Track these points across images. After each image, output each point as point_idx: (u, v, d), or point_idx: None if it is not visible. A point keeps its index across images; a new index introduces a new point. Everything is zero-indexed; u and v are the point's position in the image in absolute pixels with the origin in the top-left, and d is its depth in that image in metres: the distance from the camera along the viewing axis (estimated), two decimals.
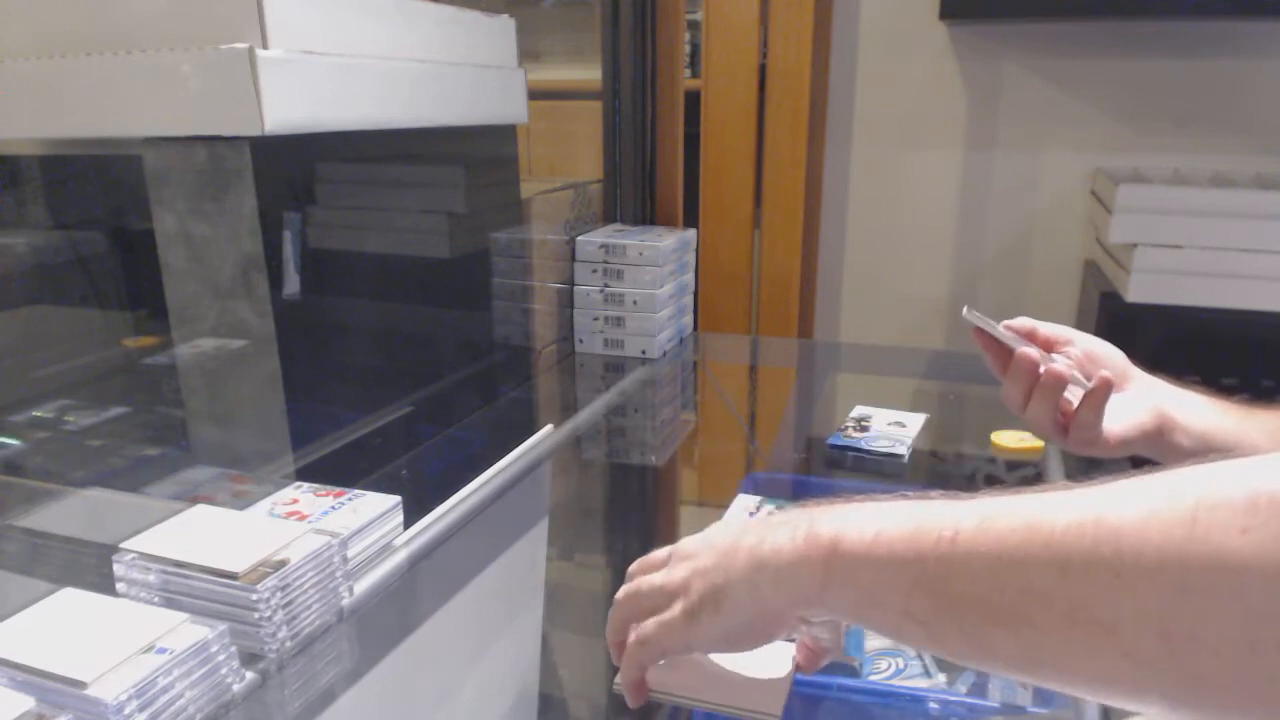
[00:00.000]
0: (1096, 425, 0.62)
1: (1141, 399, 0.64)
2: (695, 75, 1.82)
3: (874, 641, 0.66)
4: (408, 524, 0.73)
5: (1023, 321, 0.68)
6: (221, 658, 0.52)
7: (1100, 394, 0.61)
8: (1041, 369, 0.63)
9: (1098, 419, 0.62)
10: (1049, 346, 0.67)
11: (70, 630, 0.51)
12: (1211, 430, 0.63)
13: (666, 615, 0.47)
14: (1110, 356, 0.67)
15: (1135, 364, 0.68)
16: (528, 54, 1.14)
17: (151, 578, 0.57)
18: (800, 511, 0.44)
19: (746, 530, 0.46)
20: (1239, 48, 1.57)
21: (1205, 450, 0.62)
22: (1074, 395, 0.63)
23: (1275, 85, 1.57)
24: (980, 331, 0.66)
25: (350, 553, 0.65)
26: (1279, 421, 0.62)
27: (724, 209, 1.82)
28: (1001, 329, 0.66)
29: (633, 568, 0.53)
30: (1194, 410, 0.64)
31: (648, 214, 1.43)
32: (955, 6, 1.62)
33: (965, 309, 0.65)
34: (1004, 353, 0.66)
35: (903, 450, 0.98)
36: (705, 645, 0.48)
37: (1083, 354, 0.66)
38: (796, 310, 1.81)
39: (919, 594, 0.37)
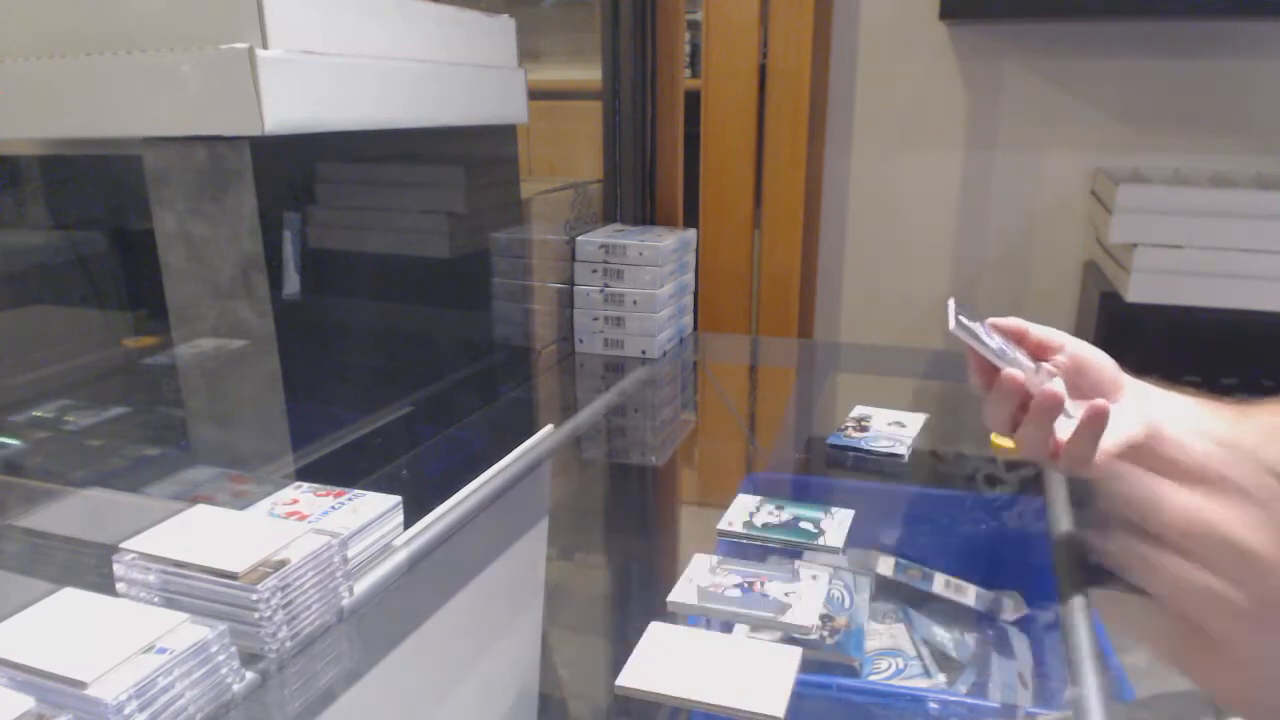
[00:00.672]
0: (1091, 456, 0.59)
1: (1131, 410, 0.62)
2: (695, 75, 1.82)
3: (874, 641, 0.66)
4: (408, 524, 0.73)
5: (1013, 322, 0.65)
6: (221, 658, 0.52)
7: (1097, 424, 0.58)
8: (1035, 392, 0.59)
9: (1092, 451, 0.59)
10: (1039, 351, 0.65)
11: (70, 630, 0.51)
12: (1203, 436, 0.61)
13: (1213, 603, 0.41)
14: (1099, 364, 0.64)
15: (1135, 366, 0.66)
16: (528, 54, 1.14)
17: (151, 578, 0.57)
18: None
19: None
20: (1239, 48, 1.57)
21: (1195, 461, 0.61)
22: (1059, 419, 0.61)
23: (1275, 85, 1.57)
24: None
25: (350, 553, 0.65)
26: (1274, 419, 0.61)
27: (724, 209, 1.82)
28: (988, 331, 0.62)
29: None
30: (1184, 418, 0.62)
31: (648, 214, 1.43)
32: (955, 6, 1.62)
33: (952, 319, 0.60)
34: (989, 366, 0.62)
35: (903, 450, 0.98)
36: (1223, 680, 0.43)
37: (1070, 360, 0.64)
38: (796, 310, 1.82)
39: None
